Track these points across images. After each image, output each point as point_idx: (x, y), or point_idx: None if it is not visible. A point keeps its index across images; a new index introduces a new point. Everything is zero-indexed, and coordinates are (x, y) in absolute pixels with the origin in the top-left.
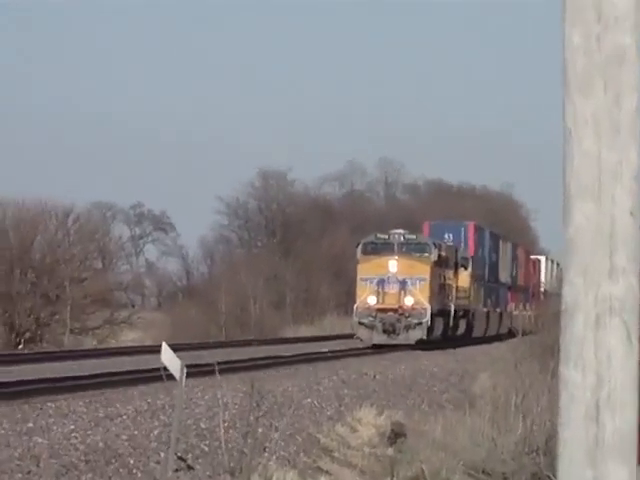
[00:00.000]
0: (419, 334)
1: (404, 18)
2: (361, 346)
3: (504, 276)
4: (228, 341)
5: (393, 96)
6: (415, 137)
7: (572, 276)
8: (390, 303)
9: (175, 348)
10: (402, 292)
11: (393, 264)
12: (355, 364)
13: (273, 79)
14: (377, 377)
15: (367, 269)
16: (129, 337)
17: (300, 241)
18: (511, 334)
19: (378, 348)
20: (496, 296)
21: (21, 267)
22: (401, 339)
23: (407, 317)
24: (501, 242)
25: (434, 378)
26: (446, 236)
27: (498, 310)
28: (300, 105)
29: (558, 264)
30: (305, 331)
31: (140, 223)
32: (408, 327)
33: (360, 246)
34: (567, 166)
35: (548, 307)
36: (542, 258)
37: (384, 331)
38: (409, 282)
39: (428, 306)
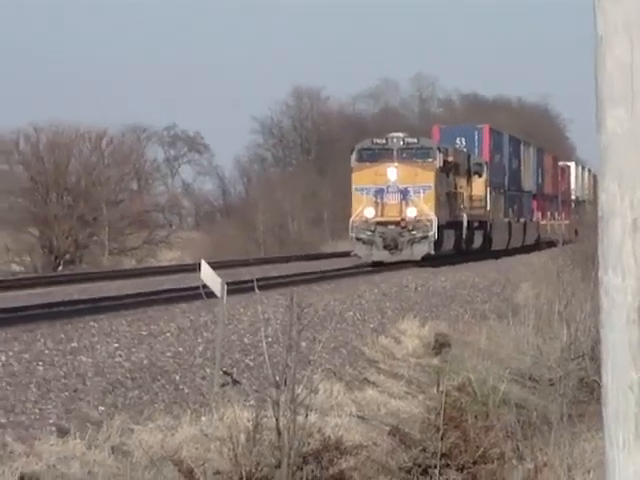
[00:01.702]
0: (425, 249)
1: None
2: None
3: (528, 184)
4: (267, 257)
5: (425, 10)
6: (449, 51)
7: (607, 183)
8: (391, 215)
9: (214, 266)
10: (404, 202)
11: (392, 171)
12: (396, 277)
13: None
14: (418, 289)
15: (363, 178)
16: (168, 257)
17: (335, 159)
18: (539, 244)
19: (388, 265)
20: (519, 205)
21: (57, 191)
22: (404, 255)
23: (410, 230)
24: (523, 147)
25: (475, 289)
26: (458, 141)
27: (522, 220)
28: (333, 22)
29: (590, 170)
30: (344, 247)
31: (174, 144)
32: (412, 241)
33: (355, 152)
34: (599, 74)
35: (585, 214)
36: (572, 164)
37: (385, 246)
38: (411, 191)
39: (434, 217)
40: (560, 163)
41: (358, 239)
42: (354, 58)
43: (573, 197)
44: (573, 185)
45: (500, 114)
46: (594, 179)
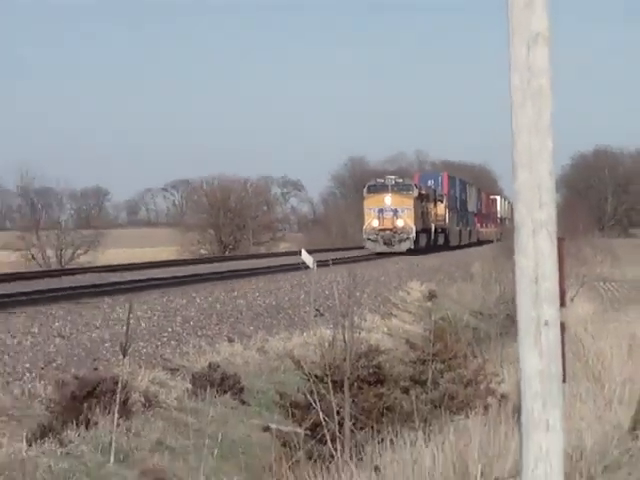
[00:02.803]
0: (408, 245)
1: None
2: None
3: (471, 207)
4: (337, 247)
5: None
6: (430, 127)
7: (519, 208)
8: (387, 225)
9: (309, 252)
10: (395, 217)
11: (388, 199)
12: (406, 259)
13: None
14: (419, 265)
15: (371, 202)
16: (283, 246)
17: None
18: (480, 242)
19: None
20: (466, 219)
21: (224, 211)
22: (395, 248)
23: (399, 234)
24: (467, 186)
25: (451, 265)
26: (429, 182)
27: (468, 228)
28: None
29: (509, 201)
30: None
31: (286, 186)
32: (400, 240)
33: (366, 187)
34: (514, 149)
35: (506, 226)
36: (498, 197)
37: (384, 243)
38: (399, 210)
39: (413, 226)
40: (491, 196)
41: (368, 239)
42: (388, 136)
43: (499, 216)
44: (499, 209)
45: (462, 170)
46: (511, 206)
